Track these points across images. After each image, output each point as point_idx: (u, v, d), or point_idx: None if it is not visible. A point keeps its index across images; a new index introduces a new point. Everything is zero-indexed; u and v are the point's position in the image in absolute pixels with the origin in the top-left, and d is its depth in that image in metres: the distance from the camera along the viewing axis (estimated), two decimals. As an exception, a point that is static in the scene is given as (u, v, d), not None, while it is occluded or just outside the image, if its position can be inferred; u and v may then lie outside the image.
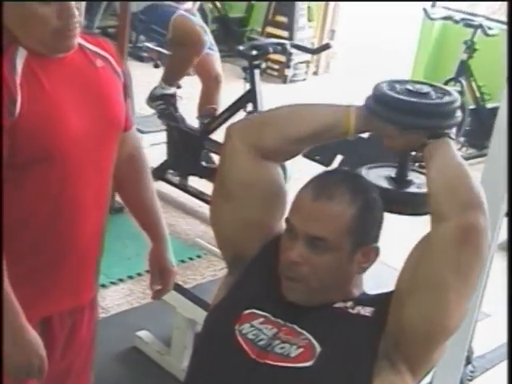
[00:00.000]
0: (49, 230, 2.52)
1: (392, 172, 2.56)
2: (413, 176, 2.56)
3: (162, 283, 3.00)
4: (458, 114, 2.38)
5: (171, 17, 6.39)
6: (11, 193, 2.38)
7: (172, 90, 6.56)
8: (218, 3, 10.51)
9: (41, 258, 2.53)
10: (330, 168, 2.56)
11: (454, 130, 2.42)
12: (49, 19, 2.35)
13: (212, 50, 6.54)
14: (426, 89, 2.37)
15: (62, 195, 2.49)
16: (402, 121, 2.28)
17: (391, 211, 2.43)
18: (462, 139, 8.15)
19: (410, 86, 2.37)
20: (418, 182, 2.51)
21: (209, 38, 6.57)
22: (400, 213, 2.47)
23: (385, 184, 2.50)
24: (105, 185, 2.67)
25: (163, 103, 6.52)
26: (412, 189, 2.51)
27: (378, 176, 2.54)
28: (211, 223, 2.63)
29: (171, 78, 6.57)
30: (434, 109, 2.33)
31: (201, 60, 6.45)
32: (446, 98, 2.36)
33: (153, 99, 6.56)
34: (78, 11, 2.40)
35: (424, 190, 2.33)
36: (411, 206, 2.45)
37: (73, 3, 2.38)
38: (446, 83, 8.06)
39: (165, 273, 3.00)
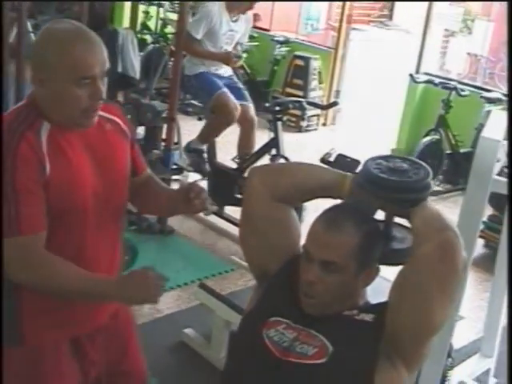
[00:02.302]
0: None
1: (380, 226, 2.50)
2: (396, 231, 2.56)
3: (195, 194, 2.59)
4: (431, 185, 2.38)
5: (216, 92, 6.35)
6: (47, 238, 2.32)
7: (203, 147, 6.58)
8: (247, 69, 10.55)
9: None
10: (338, 202, 2.51)
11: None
12: (81, 99, 2.29)
13: (248, 103, 6.53)
14: (405, 166, 2.39)
15: (83, 237, 2.43)
16: (387, 196, 2.31)
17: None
18: (440, 177, 8.13)
19: (391, 164, 2.39)
20: (399, 237, 2.51)
21: (246, 94, 6.59)
22: (388, 265, 2.42)
23: None
24: (119, 221, 2.61)
25: (195, 156, 6.54)
26: (395, 245, 2.50)
27: None
28: (241, 247, 2.62)
29: (204, 139, 6.59)
30: (413, 185, 2.33)
31: (240, 110, 6.44)
32: (421, 173, 2.37)
33: (188, 150, 6.57)
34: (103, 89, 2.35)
35: (404, 245, 2.40)
36: (396, 259, 2.40)
37: (102, 86, 2.33)
38: (428, 133, 8.08)
39: (192, 186, 2.66)
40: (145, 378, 2.90)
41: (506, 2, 13.37)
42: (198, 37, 6.28)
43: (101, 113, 2.43)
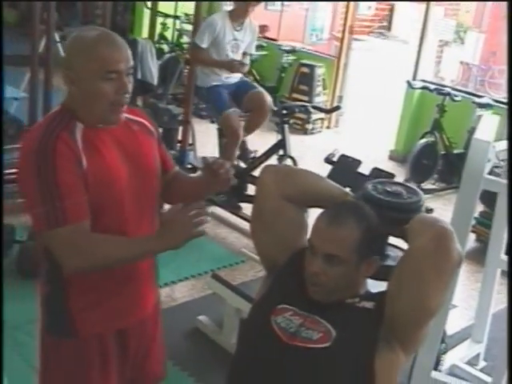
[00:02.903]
0: None
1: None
2: (389, 250, 2.66)
3: (218, 165, 2.55)
4: (423, 207, 2.42)
5: (224, 110, 6.26)
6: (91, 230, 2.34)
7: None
8: (256, 75, 10.56)
9: (109, 283, 2.45)
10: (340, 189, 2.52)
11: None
12: (108, 94, 2.30)
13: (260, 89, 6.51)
14: (400, 189, 2.44)
15: (124, 227, 2.42)
16: (382, 215, 2.33)
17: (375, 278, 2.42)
18: (435, 176, 8.15)
19: (387, 188, 2.45)
20: (393, 256, 2.59)
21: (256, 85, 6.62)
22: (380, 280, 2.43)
23: None
24: (153, 212, 2.59)
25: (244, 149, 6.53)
26: (389, 262, 2.56)
27: None
28: (252, 240, 2.63)
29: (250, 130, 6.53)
30: (406, 206, 2.38)
31: (253, 97, 6.41)
32: (415, 197, 2.41)
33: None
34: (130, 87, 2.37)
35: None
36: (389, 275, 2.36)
37: (128, 81, 2.34)
38: (424, 135, 8.08)
39: (214, 159, 2.63)
40: (161, 373, 2.89)
41: (498, 10, 13.37)
42: (204, 46, 6.22)
43: (127, 115, 2.45)
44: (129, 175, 2.40)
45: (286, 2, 13.25)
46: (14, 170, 5.59)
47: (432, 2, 9.23)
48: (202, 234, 2.29)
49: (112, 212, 2.37)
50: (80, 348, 2.46)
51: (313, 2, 14.04)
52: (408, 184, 2.52)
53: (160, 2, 6.58)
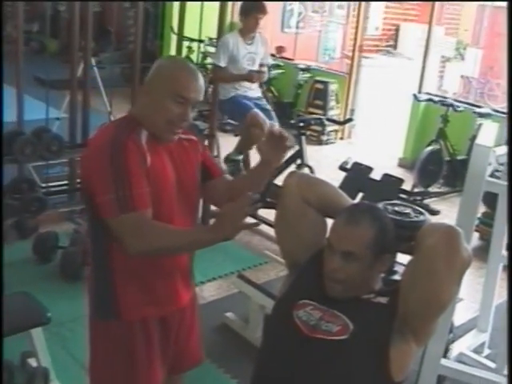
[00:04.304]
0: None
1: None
2: (397, 266, 2.61)
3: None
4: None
5: (248, 112, 6.28)
6: None
7: (240, 157, 6.51)
8: (275, 92, 10.57)
9: (152, 272, 2.48)
10: (355, 201, 2.52)
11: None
12: (170, 112, 2.38)
13: (273, 121, 6.48)
14: (407, 210, 2.42)
15: (171, 221, 2.45)
16: (396, 233, 2.30)
17: None
18: (441, 181, 8.11)
19: (396, 208, 2.43)
20: (400, 272, 2.52)
21: (272, 115, 6.52)
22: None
23: None
24: (194, 212, 2.64)
25: (233, 165, 6.50)
26: (396, 277, 2.51)
27: None
28: (276, 240, 2.60)
29: (242, 149, 6.51)
30: (412, 224, 2.34)
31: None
32: (421, 217, 2.40)
33: (227, 161, 6.52)
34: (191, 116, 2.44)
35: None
36: None
37: (191, 112, 2.42)
38: (430, 143, 8.04)
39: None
40: (201, 358, 2.92)
41: (494, 28, 13.32)
42: (222, 65, 6.25)
43: (182, 135, 2.52)
44: (175, 180, 2.46)
45: (300, 25, 13.26)
46: (56, 183, 5.54)
47: (434, 23, 9.21)
48: (250, 227, 2.37)
49: (163, 207, 2.41)
50: (124, 330, 2.48)
51: (325, 25, 14.06)
52: (415, 206, 2.49)
53: (185, 28, 6.60)
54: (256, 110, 6.30)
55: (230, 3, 9.53)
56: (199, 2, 7.26)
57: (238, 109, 6.44)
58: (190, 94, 2.38)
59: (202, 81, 2.43)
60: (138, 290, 2.47)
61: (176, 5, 7.15)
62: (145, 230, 2.29)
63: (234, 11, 10.72)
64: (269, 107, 6.73)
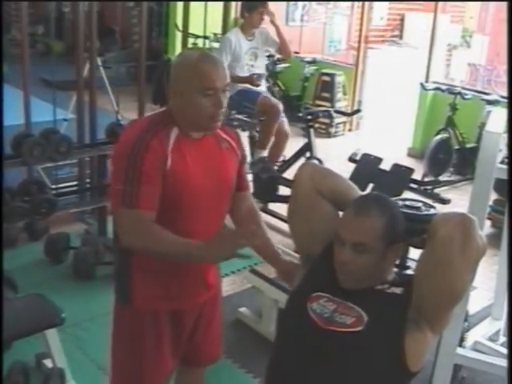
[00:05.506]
0: None
1: None
2: (409, 261, 2.59)
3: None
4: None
5: (258, 97, 6.38)
6: (165, 223, 2.40)
7: (265, 153, 6.53)
8: (282, 86, 10.56)
9: (163, 270, 2.53)
10: (365, 192, 2.51)
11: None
12: (207, 108, 2.40)
13: (283, 117, 6.48)
14: (418, 204, 2.47)
15: (196, 226, 2.51)
16: (408, 227, 2.29)
17: None
18: (451, 169, 8.09)
19: (407, 202, 2.47)
20: (412, 267, 2.51)
21: (281, 109, 6.50)
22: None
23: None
24: (219, 221, 2.64)
25: (262, 163, 6.49)
26: (408, 272, 2.58)
27: None
28: (290, 232, 2.58)
29: (263, 145, 6.52)
30: (422, 217, 2.38)
31: (262, 101, 6.42)
32: (432, 210, 2.44)
33: (255, 163, 6.49)
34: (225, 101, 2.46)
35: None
36: None
37: (224, 97, 2.44)
38: (438, 132, 8.02)
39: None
40: (217, 355, 2.96)
41: (499, 14, 13.26)
42: (225, 63, 6.24)
43: (220, 133, 2.59)
44: (205, 184, 2.48)
45: (305, 18, 13.21)
46: (65, 184, 5.56)
47: (438, 10, 9.18)
48: (241, 257, 2.33)
49: (186, 211, 2.46)
50: (135, 318, 2.56)
51: (329, 17, 14.00)
52: (425, 200, 2.50)
53: (190, 25, 6.60)
54: (265, 94, 6.33)
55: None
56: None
57: (247, 97, 6.48)
58: (215, 83, 2.41)
59: (222, 64, 2.48)
60: (152, 285, 2.53)
61: (180, 2, 7.15)
62: (141, 229, 2.35)
63: (237, 7, 10.70)
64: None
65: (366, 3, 10.13)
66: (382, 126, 10.39)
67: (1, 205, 4.73)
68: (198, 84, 2.38)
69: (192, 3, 6.31)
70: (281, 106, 6.38)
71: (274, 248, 2.82)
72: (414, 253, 2.45)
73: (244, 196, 2.79)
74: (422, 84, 8.74)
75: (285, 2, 12.94)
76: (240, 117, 6.63)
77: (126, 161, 2.35)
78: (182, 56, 2.55)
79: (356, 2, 12.46)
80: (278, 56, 10.24)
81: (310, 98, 10.33)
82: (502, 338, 4.44)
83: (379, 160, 4.82)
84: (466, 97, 8.01)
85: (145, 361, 2.61)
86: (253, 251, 2.70)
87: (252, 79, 6.35)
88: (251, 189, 2.94)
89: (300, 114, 6.45)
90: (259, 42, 6.48)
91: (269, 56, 6.59)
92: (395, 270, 2.36)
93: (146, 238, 2.35)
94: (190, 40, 8.70)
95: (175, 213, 2.45)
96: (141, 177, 2.33)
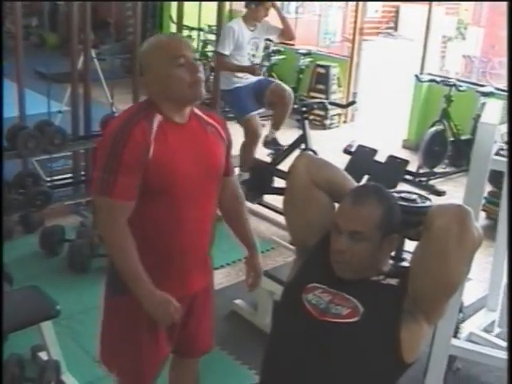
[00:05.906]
0: (158, 241, 2.54)
1: None
2: (405, 254, 2.69)
3: (254, 280, 2.97)
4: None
5: (246, 114, 6.40)
6: (137, 214, 2.44)
7: (275, 134, 6.59)
8: (277, 78, 10.47)
9: (153, 259, 2.52)
10: (361, 183, 2.51)
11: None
12: (183, 77, 2.42)
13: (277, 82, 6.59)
14: (413, 196, 2.44)
15: (184, 213, 2.51)
16: (404, 219, 2.30)
17: None
18: (446, 161, 8.08)
19: (403, 195, 2.44)
20: (408, 259, 2.52)
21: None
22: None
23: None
24: (212, 204, 2.67)
25: (274, 146, 6.56)
26: (404, 263, 2.56)
27: None
28: (286, 223, 2.58)
29: (278, 125, 6.56)
30: (417, 209, 2.35)
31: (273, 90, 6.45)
32: (428, 203, 2.41)
33: (269, 143, 6.54)
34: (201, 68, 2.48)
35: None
36: None
37: (196, 63, 2.47)
38: (433, 124, 8.03)
39: (257, 274, 2.96)
40: (209, 346, 2.97)
41: (495, 6, 13.26)
42: (227, 53, 6.23)
43: (204, 117, 2.62)
44: (192, 169, 2.49)
45: (300, 10, 13.20)
46: (60, 176, 5.56)
47: (433, 3, 9.18)
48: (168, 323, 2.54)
49: (172, 198, 2.48)
50: (131, 305, 2.54)
51: (324, 9, 14.00)
52: (421, 193, 2.49)
53: (184, 17, 6.58)
54: (253, 114, 6.34)
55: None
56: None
57: (238, 105, 6.48)
58: (183, 51, 2.44)
59: (185, 37, 2.55)
60: (147, 270, 2.50)
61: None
62: (115, 225, 2.41)
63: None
64: None
65: (361, -5, 10.11)
66: (376, 118, 10.39)
67: (1, 198, 4.73)
68: (166, 56, 2.43)
69: (186, -6, 6.29)
70: (261, 131, 6.45)
71: (250, 241, 2.98)
72: (410, 245, 2.44)
73: (229, 180, 2.79)
74: (416, 76, 8.71)
75: (279, -5, 12.92)
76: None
77: (108, 150, 2.38)
78: (144, 45, 2.56)
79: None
80: (273, 48, 10.30)
81: (305, 89, 10.31)
82: (497, 329, 4.45)
83: (374, 151, 4.82)
84: (461, 89, 7.99)
85: (143, 348, 2.63)
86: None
87: (254, 69, 6.33)
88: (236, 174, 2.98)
89: (295, 106, 6.44)
90: (261, 32, 6.45)
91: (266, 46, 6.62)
92: (391, 262, 2.36)
93: (113, 237, 2.43)
94: (185, 32, 8.69)
95: (164, 200, 2.46)
96: (119, 167, 2.35)
